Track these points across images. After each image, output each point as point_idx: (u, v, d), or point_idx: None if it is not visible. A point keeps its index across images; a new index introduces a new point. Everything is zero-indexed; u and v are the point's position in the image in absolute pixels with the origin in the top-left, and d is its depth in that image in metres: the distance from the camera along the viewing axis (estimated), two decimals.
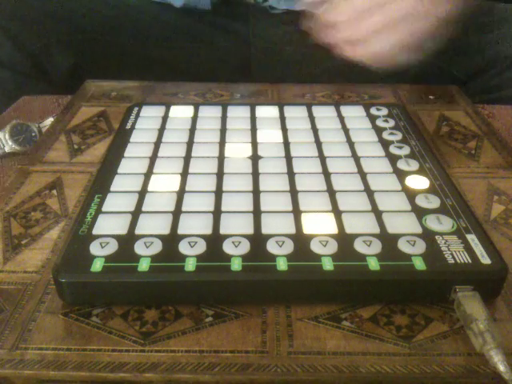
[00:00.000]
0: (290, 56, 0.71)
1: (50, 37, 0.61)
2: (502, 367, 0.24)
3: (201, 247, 0.29)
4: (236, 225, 0.31)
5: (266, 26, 0.70)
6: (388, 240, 0.30)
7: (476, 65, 0.65)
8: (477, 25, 0.63)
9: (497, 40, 0.63)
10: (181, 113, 0.47)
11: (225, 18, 0.69)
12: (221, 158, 0.39)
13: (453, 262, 0.28)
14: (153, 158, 0.39)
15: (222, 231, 0.31)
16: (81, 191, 0.39)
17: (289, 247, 0.29)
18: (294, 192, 0.35)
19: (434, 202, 0.33)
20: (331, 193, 0.35)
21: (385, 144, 0.41)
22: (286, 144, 0.41)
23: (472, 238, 0.30)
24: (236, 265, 0.28)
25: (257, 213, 0.32)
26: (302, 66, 0.70)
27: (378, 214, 0.32)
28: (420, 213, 0.32)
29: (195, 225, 0.31)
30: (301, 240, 0.30)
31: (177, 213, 0.32)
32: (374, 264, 0.28)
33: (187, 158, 0.39)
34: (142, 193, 0.35)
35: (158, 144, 0.41)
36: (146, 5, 0.70)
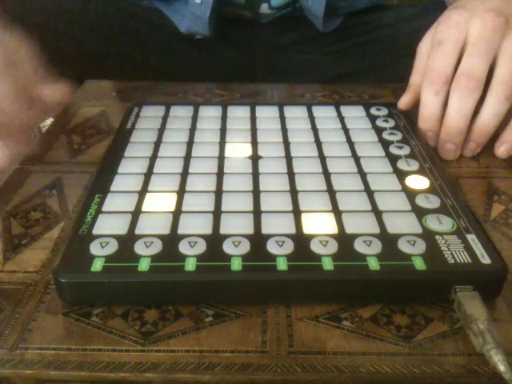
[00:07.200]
0: (294, 62, 0.71)
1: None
2: (501, 367, 0.24)
3: (201, 247, 0.29)
4: (236, 225, 0.31)
5: (270, 32, 0.70)
6: (388, 240, 0.30)
7: None
8: None
9: None
10: (181, 113, 0.47)
11: (227, 28, 0.69)
12: (221, 158, 0.39)
13: (453, 261, 0.28)
14: (153, 158, 0.39)
15: (222, 231, 0.31)
16: (81, 191, 0.39)
17: (289, 247, 0.29)
18: (294, 192, 0.35)
19: (434, 202, 0.33)
20: (331, 193, 0.35)
21: (385, 144, 0.41)
22: (286, 144, 0.41)
23: (472, 238, 0.30)
24: (236, 265, 0.28)
25: (257, 213, 0.32)
26: (307, 73, 0.70)
27: (378, 214, 0.32)
28: (420, 213, 0.32)
29: (195, 225, 0.31)
30: (301, 240, 0.30)
31: (177, 213, 0.32)
32: (374, 264, 0.28)
33: (187, 158, 0.39)
34: (142, 193, 0.35)
35: (158, 144, 0.41)
36: (147, 13, 0.70)
